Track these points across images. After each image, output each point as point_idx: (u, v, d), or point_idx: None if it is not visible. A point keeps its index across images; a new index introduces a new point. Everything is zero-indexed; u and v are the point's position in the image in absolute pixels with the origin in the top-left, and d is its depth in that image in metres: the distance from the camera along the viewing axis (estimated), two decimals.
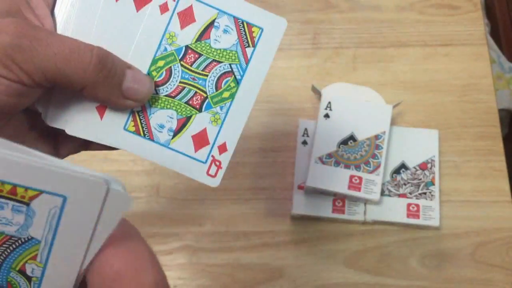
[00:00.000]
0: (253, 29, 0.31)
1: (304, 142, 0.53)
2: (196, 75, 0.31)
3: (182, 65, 0.31)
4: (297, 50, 0.59)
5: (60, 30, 0.29)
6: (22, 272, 0.22)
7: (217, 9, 0.31)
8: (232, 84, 0.32)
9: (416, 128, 0.54)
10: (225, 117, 0.32)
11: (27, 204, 0.20)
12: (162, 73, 0.31)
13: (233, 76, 0.32)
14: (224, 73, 0.31)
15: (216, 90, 0.32)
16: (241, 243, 0.51)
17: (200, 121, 0.32)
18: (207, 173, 0.32)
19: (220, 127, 0.32)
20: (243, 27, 0.31)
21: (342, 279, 0.50)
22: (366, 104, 0.53)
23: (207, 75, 0.31)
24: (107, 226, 0.21)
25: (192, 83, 0.31)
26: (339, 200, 0.51)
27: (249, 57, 0.32)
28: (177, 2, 0.31)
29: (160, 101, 0.31)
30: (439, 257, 0.50)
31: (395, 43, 0.59)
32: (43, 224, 0.21)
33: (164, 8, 0.30)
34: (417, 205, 0.51)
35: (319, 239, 0.51)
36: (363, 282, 0.50)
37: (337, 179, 0.50)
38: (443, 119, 0.55)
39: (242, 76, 0.32)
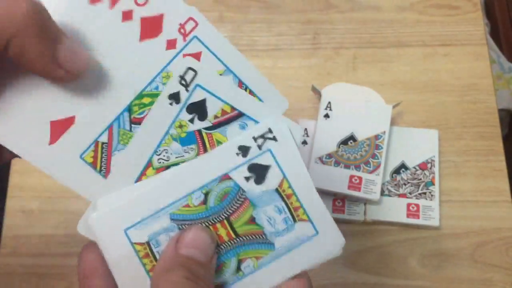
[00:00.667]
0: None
1: (304, 142, 0.53)
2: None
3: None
4: (297, 50, 0.59)
5: None
6: (239, 261, 0.27)
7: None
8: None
9: (416, 128, 0.54)
10: None
11: (295, 222, 0.27)
12: (143, 111, 0.27)
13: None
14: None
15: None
16: None
17: None
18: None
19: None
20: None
21: (342, 279, 0.50)
22: (366, 104, 0.53)
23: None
24: None
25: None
26: (339, 200, 0.51)
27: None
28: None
29: (126, 136, 0.27)
30: (439, 257, 0.50)
31: (395, 43, 0.59)
32: (288, 240, 0.27)
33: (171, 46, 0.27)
34: (417, 205, 0.51)
35: None
36: (362, 282, 0.50)
37: (337, 179, 0.50)
38: (443, 119, 0.55)
39: None
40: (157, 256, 0.26)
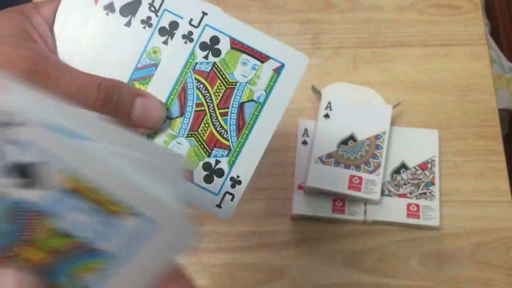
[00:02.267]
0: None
1: (304, 142, 0.53)
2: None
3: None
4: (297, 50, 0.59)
5: (59, 47, 0.30)
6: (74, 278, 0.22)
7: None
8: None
9: (416, 128, 0.54)
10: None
11: (116, 218, 0.21)
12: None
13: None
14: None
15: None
16: (241, 243, 0.51)
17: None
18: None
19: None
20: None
21: (342, 279, 0.50)
22: (366, 104, 0.53)
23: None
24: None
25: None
26: (339, 200, 0.51)
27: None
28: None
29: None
30: (439, 257, 0.50)
31: (395, 43, 0.59)
32: (123, 242, 0.21)
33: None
34: (417, 205, 0.51)
35: (319, 239, 0.51)
36: (363, 282, 0.50)
37: (337, 179, 0.50)
38: (443, 119, 0.55)
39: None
40: None
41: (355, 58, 0.58)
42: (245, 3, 0.61)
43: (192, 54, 0.31)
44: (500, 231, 0.51)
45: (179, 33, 0.31)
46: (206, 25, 0.31)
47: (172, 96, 0.31)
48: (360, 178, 0.50)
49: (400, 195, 0.51)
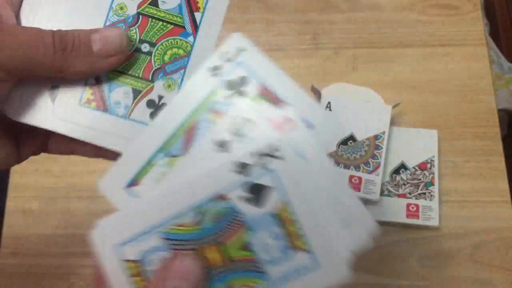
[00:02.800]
0: None
1: None
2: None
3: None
4: (297, 50, 0.59)
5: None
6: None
7: None
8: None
9: (416, 128, 0.54)
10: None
11: (293, 251, 0.24)
12: None
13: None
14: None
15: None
16: None
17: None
18: None
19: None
20: None
21: None
22: (366, 104, 0.53)
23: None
24: None
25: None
26: None
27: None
28: None
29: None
30: (439, 257, 0.50)
31: (395, 43, 0.59)
32: (284, 270, 0.25)
33: None
34: (417, 205, 0.51)
35: None
36: (363, 282, 0.50)
37: None
38: (443, 119, 0.55)
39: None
40: (149, 275, 0.25)
41: (355, 58, 0.58)
42: (245, 3, 0.61)
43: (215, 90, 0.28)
44: (500, 231, 0.51)
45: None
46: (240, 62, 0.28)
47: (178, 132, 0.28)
48: (360, 178, 0.50)
49: (399, 195, 0.51)
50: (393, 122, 0.53)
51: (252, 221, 0.25)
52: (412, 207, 0.51)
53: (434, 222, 0.50)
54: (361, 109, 0.53)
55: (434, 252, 0.51)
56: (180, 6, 0.31)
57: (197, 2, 0.31)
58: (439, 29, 0.59)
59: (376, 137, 0.52)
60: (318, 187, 0.24)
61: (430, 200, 0.51)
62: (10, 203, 0.53)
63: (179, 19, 0.31)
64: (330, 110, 0.53)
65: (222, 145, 0.26)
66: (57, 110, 0.29)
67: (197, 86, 0.28)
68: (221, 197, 0.25)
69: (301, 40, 0.59)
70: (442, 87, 0.57)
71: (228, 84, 0.27)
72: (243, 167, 0.25)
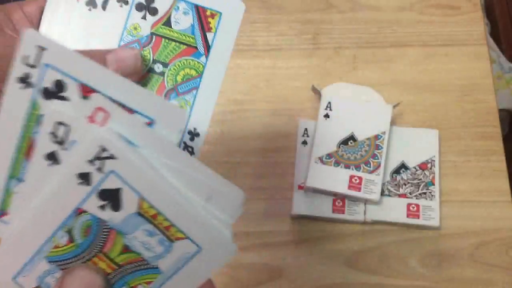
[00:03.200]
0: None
1: (304, 142, 0.53)
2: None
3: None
4: (297, 50, 0.59)
5: None
6: None
7: None
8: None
9: (416, 128, 0.54)
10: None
11: (172, 241, 0.24)
12: None
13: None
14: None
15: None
16: (241, 243, 0.51)
17: None
18: None
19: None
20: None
21: (342, 279, 0.50)
22: (366, 104, 0.53)
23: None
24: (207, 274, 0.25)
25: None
26: (339, 200, 0.51)
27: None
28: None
29: None
30: (439, 257, 0.50)
31: (395, 43, 0.59)
32: (172, 261, 0.24)
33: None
34: (417, 205, 0.51)
35: (319, 239, 0.51)
36: (363, 282, 0.50)
37: (337, 179, 0.50)
38: (443, 119, 0.55)
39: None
40: None
41: (355, 58, 0.58)
42: (245, 3, 0.61)
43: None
44: (500, 231, 0.51)
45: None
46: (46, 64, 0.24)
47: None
48: (360, 178, 0.50)
49: (400, 195, 0.51)
50: (393, 122, 0.53)
51: (120, 225, 0.24)
52: (413, 207, 0.51)
53: (434, 222, 0.50)
54: (362, 108, 0.53)
55: (434, 252, 0.50)
56: (192, 26, 0.31)
57: (209, 23, 0.31)
58: (439, 29, 0.59)
59: (377, 137, 0.52)
60: (166, 172, 0.23)
61: (431, 200, 0.51)
62: None
63: (191, 40, 0.31)
64: (330, 110, 0.53)
65: (51, 158, 0.24)
66: None
67: (14, 103, 0.24)
68: (80, 211, 0.24)
69: (301, 40, 0.59)
70: (442, 87, 0.57)
71: (45, 92, 0.23)
72: (83, 177, 0.23)
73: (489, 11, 1.21)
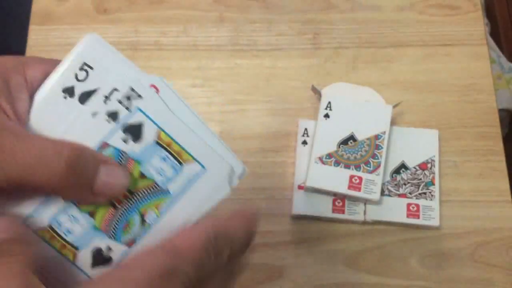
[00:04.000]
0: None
1: (304, 142, 0.53)
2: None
3: None
4: (297, 50, 0.59)
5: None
6: (142, 215, 0.28)
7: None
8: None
9: (416, 128, 0.54)
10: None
11: (181, 164, 0.28)
12: None
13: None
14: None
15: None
16: None
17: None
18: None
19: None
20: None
21: (342, 279, 0.50)
22: (366, 104, 0.53)
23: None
24: (213, 202, 0.28)
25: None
26: (339, 200, 0.51)
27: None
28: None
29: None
30: (439, 257, 0.50)
31: (395, 43, 0.59)
32: (181, 183, 0.28)
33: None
34: (417, 205, 0.51)
35: (319, 239, 0.51)
36: (363, 282, 0.50)
37: (337, 179, 0.50)
38: (443, 119, 0.55)
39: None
40: (63, 236, 0.27)
41: (355, 58, 0.58)
42: (245, 3, 0.61)
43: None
44: (500, 231, 0.51)
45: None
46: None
47: None
48: (360, 178, 0.50)
49: (400, 195, 0.51)
50: (393, 122, 0.53)
51: (138, 154, 0.28)
52: (413, 207, 0.51)
53: (434, 222, 0.50)
54: (362, 108, 0.53)
55: (434, 252, 0.50)
56: None
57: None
58: (439, 29, 0.59)
59: (377, 136, 0.52)
60: (183, 107, 0.28)
61: (431, 200, 0.51)
62: None
63: None
64: (330, 110, 0.53)
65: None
66: None
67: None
68: (104, 145, 0.28)
69: (301, 40, 0.59)
70: (442, 87, 0.57)
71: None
72: (113, 115, 0.28)
73: (489, 11, 1.21)
